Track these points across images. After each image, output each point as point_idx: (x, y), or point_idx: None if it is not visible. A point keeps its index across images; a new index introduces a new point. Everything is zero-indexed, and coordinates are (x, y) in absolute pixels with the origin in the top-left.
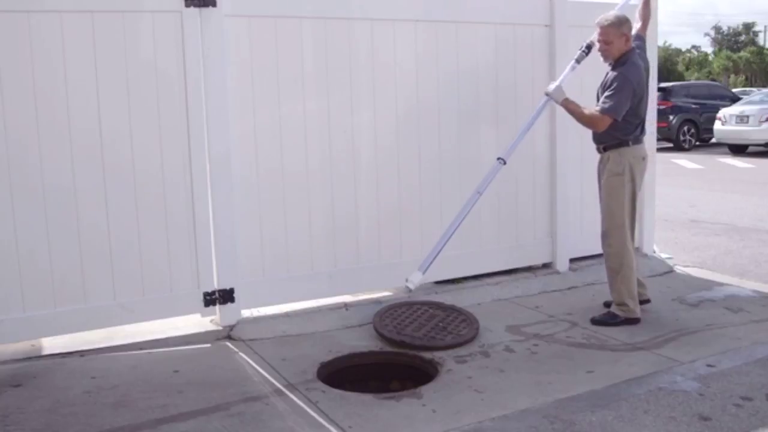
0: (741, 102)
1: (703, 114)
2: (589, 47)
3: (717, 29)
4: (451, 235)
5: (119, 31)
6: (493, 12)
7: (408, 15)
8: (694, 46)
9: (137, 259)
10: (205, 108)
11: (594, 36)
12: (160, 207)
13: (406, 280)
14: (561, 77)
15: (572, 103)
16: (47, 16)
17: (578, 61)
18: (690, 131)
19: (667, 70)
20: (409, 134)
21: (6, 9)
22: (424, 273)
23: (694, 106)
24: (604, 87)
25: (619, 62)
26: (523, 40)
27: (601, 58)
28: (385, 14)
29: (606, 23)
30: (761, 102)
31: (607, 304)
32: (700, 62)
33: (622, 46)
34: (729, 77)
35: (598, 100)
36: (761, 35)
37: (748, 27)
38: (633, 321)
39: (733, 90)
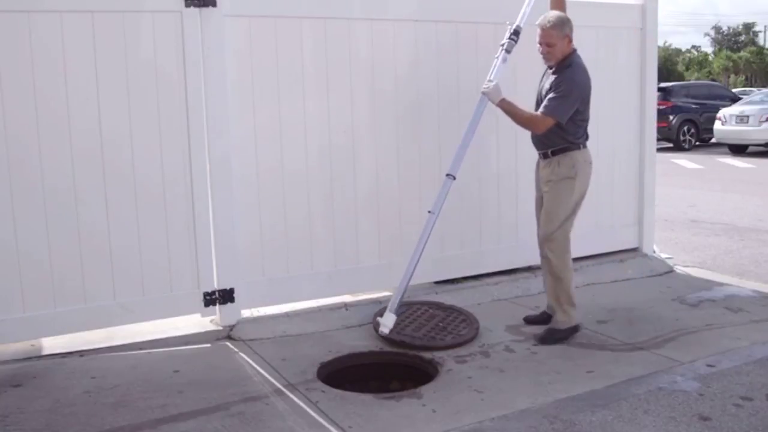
0: (741, 102)
1: (703, 114)
2: (516, 33)
3: (717, 29)
4: (415, 268)
5: (119, 31)
6: (492, 12)
7: (408, 15)
8: (694, 46)
9: (137, 259)
10: (205, 108)
11: (517, 21)
12: (160, 207)
13: (380, 324)
14: (494, 73)
15: (509, 103)
16: (47, 16)
17: (508, 50)
18: (690, 131)
19: (667, 70)
20: (409, 133)
21: (6, 9)
22: (395, 313)
23: (694, 106)
24: (549, 89)
25: (564, 65)
26: (523, 39)
27: (543, 61)
28: (385, 14)
29: (548, 25)
30: (761, 102)
31: (529, 320)
32: (700, 62)
33: (564, 48)
34: (729, 77)
35: (537, 102)
36: (761, 35)
37: (748, 27)
38: (574, 330)
39: (733, 90)
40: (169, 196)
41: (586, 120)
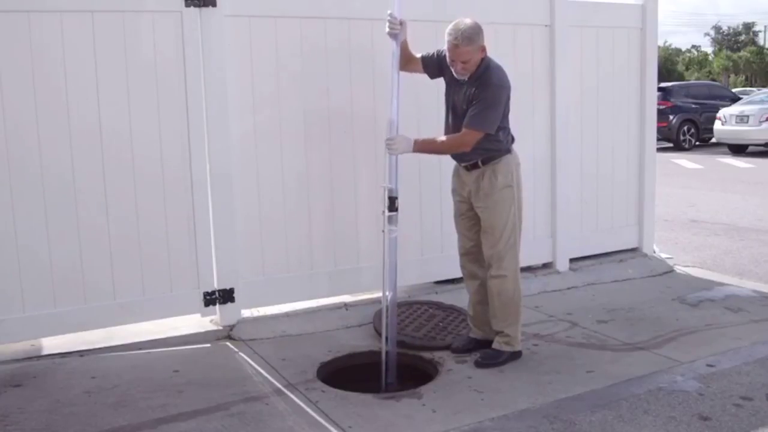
0: (741, 102)
1: (703, 114)
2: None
3: (717, 29)
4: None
5: (119, 31)
6: (492, 12)
7: (408, 15)
8: (694, 46)
9: (137, 259)
10: (205, 108)
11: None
12: (160, 207)
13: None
14: (394, 122)
15: (424, 141)
16: (47, 16)
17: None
18: (690, 131)
19: (667, 70)
20: (409, 134)
21: (6, 9)
22: None
23: (694, 106)
24: (471, 101)
25: (479, 70)
26: (523, 40)
27: (456, 76)
28: (384, 15)
29: (463, 43)
30: (761, 102)
31: (457, 349)
32: (700, 62)
33: (478, 58)
34: (729, 77)
35: (452, 113)
36: (761, 35)
37: (748, 27)
38: (517, 355)
39: (733, 90)
40: (169, 196)
41: (508, 120)
